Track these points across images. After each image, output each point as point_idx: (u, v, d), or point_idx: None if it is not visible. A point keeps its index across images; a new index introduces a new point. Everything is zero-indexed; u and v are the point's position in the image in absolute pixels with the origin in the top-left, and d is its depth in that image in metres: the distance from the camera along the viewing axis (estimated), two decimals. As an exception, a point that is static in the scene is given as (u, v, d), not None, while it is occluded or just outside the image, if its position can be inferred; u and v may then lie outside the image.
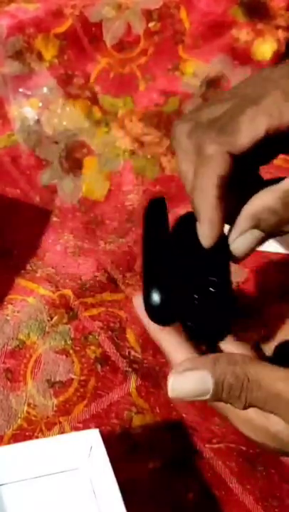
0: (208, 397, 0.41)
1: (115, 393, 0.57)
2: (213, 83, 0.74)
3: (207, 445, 0.55)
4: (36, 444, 0.50)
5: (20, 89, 0.73)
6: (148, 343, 0.59)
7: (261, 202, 0.43)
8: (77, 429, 0.55)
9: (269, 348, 0.48)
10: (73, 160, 0.71)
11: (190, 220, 0.45)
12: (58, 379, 0.57)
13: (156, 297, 0.43)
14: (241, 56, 0.75)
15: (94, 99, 0.74)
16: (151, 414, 0.56)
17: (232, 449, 0.55)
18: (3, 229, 0.66)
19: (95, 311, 0.61)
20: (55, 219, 0.68)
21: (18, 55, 0.73)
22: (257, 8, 0.77)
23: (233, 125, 0.43)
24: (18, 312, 0.60)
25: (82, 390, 0.57)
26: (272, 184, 0.43)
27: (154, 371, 0.58)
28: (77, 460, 0.50)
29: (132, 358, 0.59)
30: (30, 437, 0.55)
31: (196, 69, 0.75)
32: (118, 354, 0.59)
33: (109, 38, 0.75)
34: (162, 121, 0.73)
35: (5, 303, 0.61)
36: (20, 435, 0.55)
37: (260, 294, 0.62)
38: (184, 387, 0.41)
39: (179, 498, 0.53)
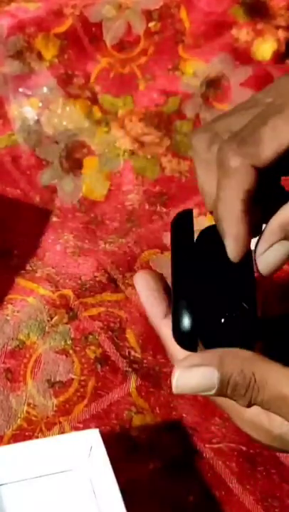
0: (212, 392, 0.40)
1: (115, 393, 0.57)
2: (213, 83, 0.74)
3: (207, 445, 0.55)
4: (36, 444, 0.50)
5: (21, 89, 0.73)
6: (148, 343, 0.59)
7: None
8: (77, 429, 0.55)
9: None
10: (73, 160, 0.71)
11: (212, 233, 0.44)
12: (58, 379, 0.57)
13: (187, 325, 0.41)
14: (241, 56, 0.75)
15: (94, 99, 0.74)
16: (151, 414, 0.56)
17: (232, 449, 0.55)
18: (3, 229, 0.66)
19: (94, 311, 0.61)
20: (55, 219, 0.68)
21: (18, 55, 0.73)
22: (257, 8, 0.77)
23: (256, 136, 0.42)
24: (18, 312, 0.60)
25: (82, 390, 0.57)
26: None
27: (154, 371, 0.58)
28: (77, 460, 0.50)
29: (132, 358, 0.59)
30: (30, 437, 0.55)
31: (196, 69, 0.75)
32: (118, 354, 0.59)
33: (109, 38, 0.75)
34: (162, 121, 0.73)
35: (5, 303, 0.61)
36: (20, 435, 0.55)
37: (261, 294, 0.62)
38: (188, 382, 0.40)
39: (179, 498, 0.53)
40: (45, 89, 0.73)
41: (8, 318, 0.60)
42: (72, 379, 0.57)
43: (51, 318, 0.60)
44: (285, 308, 0.52)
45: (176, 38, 0.76)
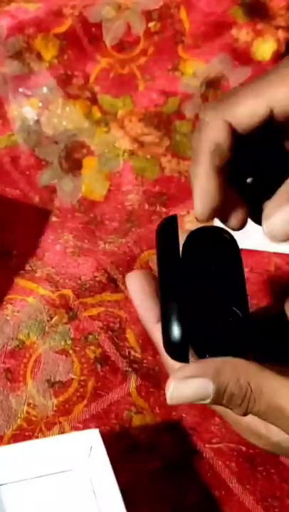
0: (207, 402, 0.40)
1: (115, 393, 0.57)
2: (213, 83, 0.74)
3: (207, 445, 0.55)
4: (36, 444, 0.50)
5: (20, 89, 0.73)
6: (148, 343, 0.59)
7: None
8: (77, 429, 0.55)
9: None
10: (73, 160, 0.71)
11: (199, 237, 0.43)
12: (57, 379, 0.57)
13: (177, 336, 0.41)
14: (241, 56, 0.75)
15: (94, 100, 0.74)
16: (151, 414, 0.56)
17: (232, 449, 0.55)
18: (3, 229, 0.66)
19: (94, 311, 0.61)
20: (54, 219, 0.68)
21: (17, 55, 0.73)
22: (257, 8, 0.77)
23: (234, 95, 0.42)
24: (17, 312, 0.60)
25: (82, 390, 0.57)
26: None
27: (154, 371, 0.58)
28: (77, 460, 0.50)
29: (131, 358, 0.59)
30: (30, 437, 0.55)
31: (196, 69, 0.75)
32: (118, 354, 0.59)
33: (109, 38, 0.75)
34: (162, 122, 0.73)
35: (4, 303, 0.61)
36: (20, 435, 0.55)
37: (260, 294, 0.62)
38: (183, 393, 0.40)
39: (179, 498, 0.53)
40: (44, 90, 0.73)
41: (8, 318, 0.60)
42: (72, 379, 0.57)
43: (51, 318, 0.60)
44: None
45: (175, 38, 0.76)
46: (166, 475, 0.54)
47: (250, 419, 0.42)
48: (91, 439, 0.50)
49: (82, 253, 0.65)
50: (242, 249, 0.62)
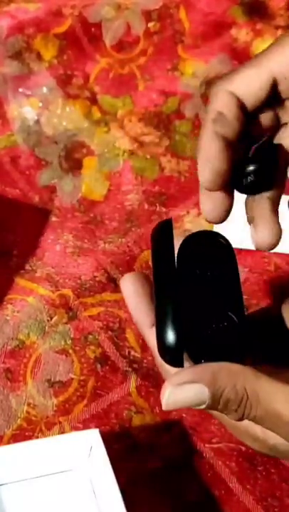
0: (202, 407, 0.39)
1: (115, 393, 0.57)
2: (212, 83, 0.74)
3: (207, 445, 0.55)
4: (36, 444, 0.50)
5: (20, 89, 0.73)
6: (148, 343, 0.59)
7: None
8: (77, 429, 0.55)
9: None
10: (73, 160, 0.71)
11: (195, 242, 0.43)
12: (57, 379, 0.57)
13: (171, 341, 0.40)
14: (241, 56, 0.75)
15: (93, 99, 0.74)
16: (151, 414, 0.56)
17: (232, 449, 0.55)
18: (3, 229, 0.66)
19: (94, 311, 0.61)
20: (54, 219, 0.68)
21: (17, 55, 0.73)
22: (256, 8, 0.77)
23: (239, 69, 0.42)
24: (17, 312, 0.60)
25: (82, 389, 0.57)
26: None
27: (154, 371, 0.58)
28: (77, 460, 0.50)
29: (131, 357, 0.59)
30: (30, 437, 0.55)
31: (195, 69, 0.75)
32: (118, 354, 0.59)
33: (108, 38, 0.75)
34: (162, 122, 0.73)
35: (4, 303, 0.61)
36: (20, 435, 0.55)
37: (260, 294, 0.62)
38: (179, 399, 0.39)
39: (179, 498, 0.53)
40: (44, 90, 0.73)
41: (8, 318, 0.60)
42: (72, 379, 0.57)
43: (51, 318, 0.60)
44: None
45: (175, 38, 0.76)
46: (166, 475, 0.54)
47: (247, 423, 0.42)
48: (91, 439, 0.50)
49: (82, 253, 0.65)
50: (242, 249, 0.63)
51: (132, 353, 0.59)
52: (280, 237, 0.43)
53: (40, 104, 0.73)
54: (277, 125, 0.44)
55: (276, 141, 0.44)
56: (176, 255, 0.43)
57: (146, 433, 0.55)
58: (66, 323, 0.60)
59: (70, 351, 0.59)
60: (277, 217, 0.43)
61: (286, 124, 0.44)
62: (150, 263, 0.43)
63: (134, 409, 0.56)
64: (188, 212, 0.67)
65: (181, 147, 0.72)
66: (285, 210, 0.45)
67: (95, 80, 0.75)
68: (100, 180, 0.70)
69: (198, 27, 0.76)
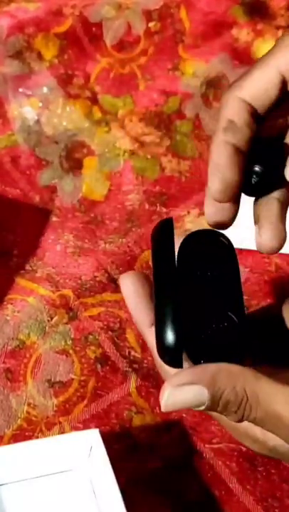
0: (202, 408, 0.39)
1: (115, 393, 0.57)
2: (213, 83, 0.74)
3: (207, 445, 0.55)
4: (36, 444, 0.50)
5: (21, 89, 0.73)
6: (148, 343, 0.59)
7: None
8: (77, 429, 0.55)
9: None
10: (73, 160, 0.71)
11: (195, 241, 0.43)
12: (58, 379, 0.57)
13: (170, 342, 0.40)
14: (241, 56, 0.75)
15: (94, 99, 0.74)
16: (151, 414, 0.56)
17: (232, 449, 0.55)
18: (3, 229, 0.66)
19: (95, 311, 0.61)
20: (55, 219, 0.68)
21: (18, 55, 0.73)
22: (257, 8, 0.77)
23: (247, 73, 0.42)
24: (18, 312, 0.60)
25: (82, 390, 0.57)
26: None
27: (154, 371, 0.58)
28: (77, 460, 0.50)
29: (132, 358, 0.59)
30: (30, 437, 0.55)
31: (196, 69, 0.75)
32: (118, 354, 0.59)
33: (109, 38, 0.75)
34: (162, 121, 0.73)
35: (5, 303, 0.61)
36: (20, 435, 0.55)
37: (261, 295, 0.62)
38: (178, 401, 0.39)
39: (179, 498, 0.53)
40: (45, 90, 0.73)
41: (8, 318, 0.60)
42: (72, 379, 0.57)
43: (51, 318, 0.60)
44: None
45: (176, 38, 0.76)
46: (166, 475, 0.54)
47: (247, 425, 0.42)
48: (91, 439, 0.50)
49: (83, 253, 0.65)
50: (242, 249, 0.63)
51: (133, 353, 0.59)
52: (284, 242, 0.42)
53: (41, 104, 0.73)
54: (285, 125, 0.44)
55: (286, 141, 0.44)
56: (176, 254, 0.43)
57: (146, 433, 0.55)
58: (66, 323, 0.60)
59: (71, 351, 0.59)
60: (284, 220, 0.42)
61: None
62: (150, 263, 0.43)
63: (135, 409, 0.56)
64: (188, 213, 0.67)
65: (181, 147, 0.72)
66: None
67: (96, 79, 0.75)
68: (100, 180, 0.70)
69: (199, 27, 0.76)
